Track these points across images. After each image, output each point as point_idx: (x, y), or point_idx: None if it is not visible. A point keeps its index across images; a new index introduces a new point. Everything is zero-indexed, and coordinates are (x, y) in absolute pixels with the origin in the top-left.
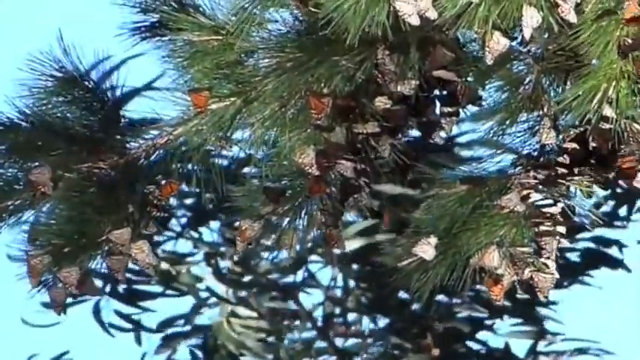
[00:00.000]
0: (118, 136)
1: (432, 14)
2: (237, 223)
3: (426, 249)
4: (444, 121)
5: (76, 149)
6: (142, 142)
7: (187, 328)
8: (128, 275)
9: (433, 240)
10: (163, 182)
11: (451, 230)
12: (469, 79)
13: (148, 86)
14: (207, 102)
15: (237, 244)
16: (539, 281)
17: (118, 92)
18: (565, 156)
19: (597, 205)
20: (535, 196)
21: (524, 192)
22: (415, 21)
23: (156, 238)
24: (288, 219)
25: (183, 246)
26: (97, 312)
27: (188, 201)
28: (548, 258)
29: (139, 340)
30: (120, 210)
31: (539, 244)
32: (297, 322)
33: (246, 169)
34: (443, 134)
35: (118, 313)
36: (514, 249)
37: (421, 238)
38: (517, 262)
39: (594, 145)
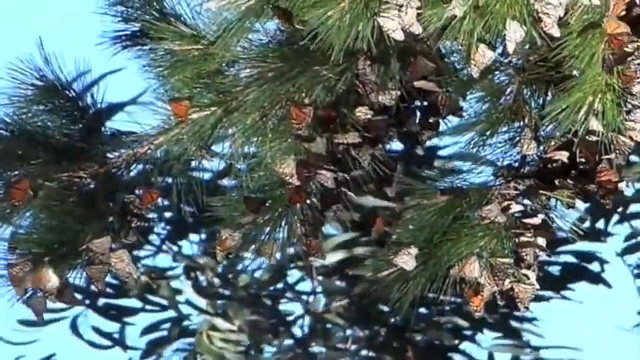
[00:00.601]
0: (99, 146)
1: (417, 29)
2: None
3: (407, 259)
4: (425, 131)
5: (56, 158)
6: (123, 151)
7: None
8: (108, 290)
9: (413, 250)
10: (143, 191)
11: (432, 241)
12: (450, 89)
13: (132, 101)
14: (188, 111)
15: (217, 253)
16: (520, 292)
17: (98, 102)
18: (546, 167)
19: (580, 220)
20: (515, 207)
21: (505, 203)
22: (399, 36)
23: (136, 252)
24: (268, 229)
25: (163, 260)
26: (74, 328)
27: (168, 214)
28: (529, 269)
29: (124, 347)
30: (100, 219)
31: (520, 255)
32: (277, 335)
33: (226, 179)
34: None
35: (96, 330)
36: (494, 260)
37: (402, 249)
38: (497, 272)
39: (581, 157)
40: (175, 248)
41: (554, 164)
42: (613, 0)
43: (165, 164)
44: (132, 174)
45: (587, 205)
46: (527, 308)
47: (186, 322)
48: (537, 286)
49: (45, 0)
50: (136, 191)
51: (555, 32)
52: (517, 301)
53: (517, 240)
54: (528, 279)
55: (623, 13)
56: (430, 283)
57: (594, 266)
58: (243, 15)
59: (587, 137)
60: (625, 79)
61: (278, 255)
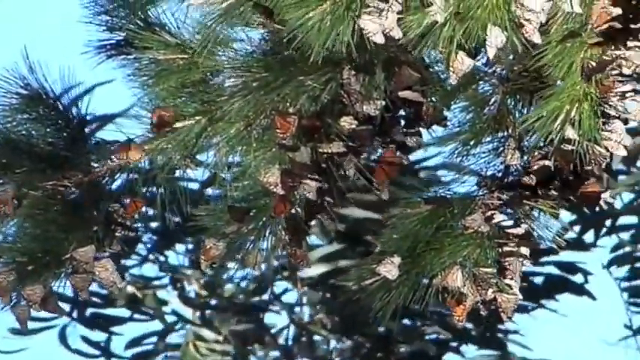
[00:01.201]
0: (83, 155)
1: (397, 33)
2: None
3: (390, 268)
4: (410, 141)
5: (40, 167)
6: (107, 160)
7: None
8: (95, 299)
9: (397, 259)
10: (128, 201)
11: (415, 250)
12: (434, 99)
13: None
14: (173, 121)
15: (202, 262)
16: (503, 302)
17: (83, 111)
18: (530, 177)
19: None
20: (499, 217)
21: (489, 213)
22: (380, 39)
23: (122, 261)
24: (252, 238)
25: (150, 270)
26: (63, 337)
27: (154, 224)
28: (512, 279)
29: (109, 357)
30: (84, 228)
31: (503, 265)
32: (263, 346)
33: (210, 189)
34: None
35: (85, 339)
36: (477, 269)
37: (385, 258)
38: (480, 282)
39: (556, 165)
40: (162, 258)
41: (537, 174)
42: (596, 11)
43: (149, 173)
44: (116, 183)
45: (575, 216)
46: (510, 318)
47: (172, 333)
48: (520, 296)
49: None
50: (121, 200)
51: (536, 39)
52: (500, 311)
53: (500, 250)
54: (511, 289)
55: (606, 25)
56: (413, 293)
57: (578, 278)
58: (224, 14)
59: (562, 146)
60: (603, 89)
61: (263, 265)
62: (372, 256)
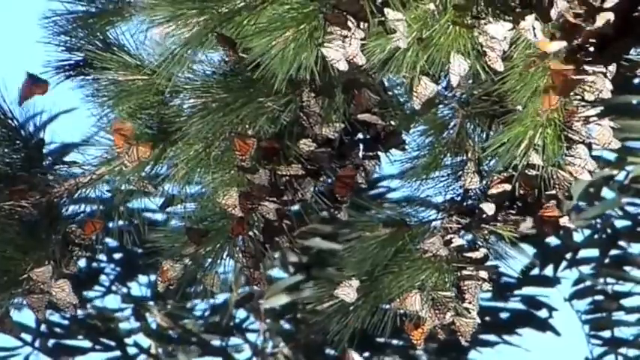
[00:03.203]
0: (41, 175)
1: (360, 60)
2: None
3: (348, 291)
4: (367, 164)
5: None
6: (65, 181)
7: None
8: (57, 330)
9: (355, 282)
10: (85, 221)
11: (373, 273)
12: (393, 122)
13: (84, 142)
14: (131, 136)
15: (159, 284)
16: (461, 326)
17: (40, 131)
18: (488, 201)
19: (529, 265)
20: (458, 241)
21: (447, 236)
22: (343, 66)
23: (85, 293)
24: (210, 260)
25: (112, 301)
26: None
27: (117, 255)
28: (470, 303)
29: None
30: (42, 248)
31: (461, 289)
32: None
33: (168, 210)
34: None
35: None
36: (436, 293)
37: (343, 281)
38: (439, 306)
39: (521, 191)
40: (124, 290)
41: (496, 198)
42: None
43: (108, 201)
44: (74, 204)
45: (535, 250)
46: (468, 342)
47: None
48: (478, 320)
49: None
50: (79, 221)
51: (499, 67)
52: (458, 334)
53: (459, 274)
54: (470, 313)
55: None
56: (371, 316)
57: (542, 312)
58: (187, 42)
59: (526, 171)
60: (566, 114)
61: (225, 295)
62: (331, 279)
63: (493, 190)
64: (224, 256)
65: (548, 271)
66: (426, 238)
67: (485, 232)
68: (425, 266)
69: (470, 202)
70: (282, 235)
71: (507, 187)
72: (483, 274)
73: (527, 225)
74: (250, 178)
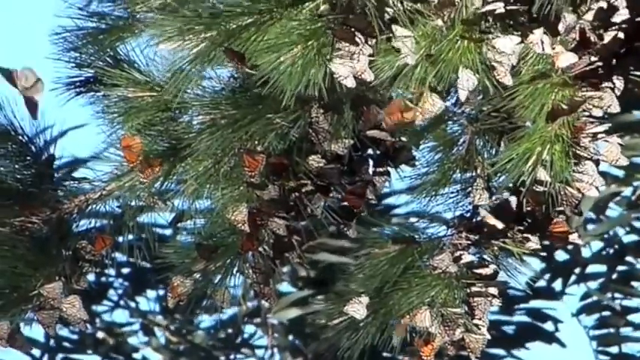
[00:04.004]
0: (51, 191)
1: (369, 76)
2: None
3: (357, 308)
4: (377, 180)
5: (8, 203)
6: (75, 197)
7: None
8: (66, 344)
9: (364, 299)
10: (96, 237)
11: (383, 290)
12: (403, 139)
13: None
14: (139, 157)
15: (169, 300)
16: (470, 342)
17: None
18: (498, 218)
19: (536, 278)
20: (467, 257)
21: (457, 253)
22: (351, 83)
23: (94, 307)
24: (220, 276)
25: (120, 316)
26: None
27: (125, 270)
28: (480, 319)
29: None
30: (51, 265)
31: (471, 305)
32: None
33: (178, 226)
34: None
35: None
36: (445, 309)
37: (352, 297)
38: (448, 322)
39: (528, 208)
40: (133, 304)
41: (505, 215)
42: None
43: (118, 215)
44: (84, 220)
45: (544, 265)
46: (478, 358)
47: None
48: (488, 337)
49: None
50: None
51: (508, 81)
52: (468, 351)
53: (468, 290)
54: (479, 329)
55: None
56: (381, 333)
57: (548, 326)
58: (195, 58)
59: (534, 187)
60: (574, 130)
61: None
62: (340, 295)
63: (502, 206)
64: (234, 272)
65: (557, 285)
66: (435, 254)
67: (495, 248)
68: (434, 283)
69: (479, 218)
70: (292, 251)
71: (515, 203)
72: (493, 290)
73: (535, 242)
74: (259, 194)
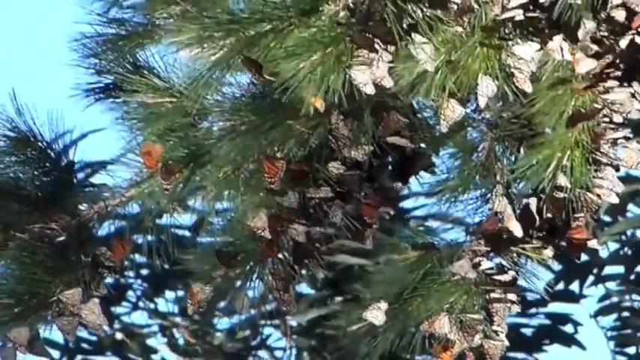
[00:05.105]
0: (70, 197)
1: (388, 82)
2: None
3: (376, 314)
4: (397, 187)
5: (28, 209)
6: (94, 203)
7: None
8: (85, 346)
9: (383, 305)
10: (115, 244)
11: (402, 296)
12: (422, 145)
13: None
14: (159, 163)
15: (189, 306)
16: (489, 348)
17: (70, 154)
18: (517, 224)
19: (554, 281)
20: (486, 264)
21: (476, 259)
22: (370, 90)
23: (112, 308)
24: (239, 283)
25: (139, 317)
26: None
27: (144, 271)
28: (499, 325)
29: None
30: (71, 271)
31: (490, 312)
32: None
33: (198, 232)
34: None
35: None
36: (464, 316)
37: (371, 303)
38: (467, 329)
39: (548, 214)
40: (151, 305)
41: (524, 221)
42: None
43: (137, 218)
44: (104, 226)
45: (561, 267)
46: None
47: None
48: (507, 343)
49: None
50: (108, 243)
51: (527, 87)
52: (487, 357)
53: (487, 296)
54: (498, 335)
55: (597, 71)
56: (400, 339)
57: (568, 328)
58: (214, 65)
59: (554, 194)
60: (594, 136)
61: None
62: (358, 300)
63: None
64: (254, 279)
65: (574, 286)
66: (454, 261)
67: (514, 254)
68: (453, 289)
69: (499, 225)
70: (311, 257)
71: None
72: (512, 296)
73: (550, 250)
74: (279, 201)
